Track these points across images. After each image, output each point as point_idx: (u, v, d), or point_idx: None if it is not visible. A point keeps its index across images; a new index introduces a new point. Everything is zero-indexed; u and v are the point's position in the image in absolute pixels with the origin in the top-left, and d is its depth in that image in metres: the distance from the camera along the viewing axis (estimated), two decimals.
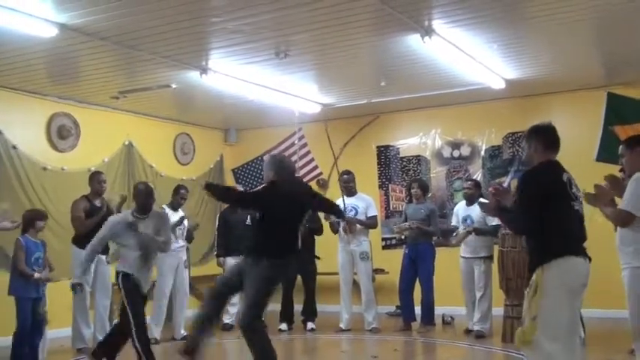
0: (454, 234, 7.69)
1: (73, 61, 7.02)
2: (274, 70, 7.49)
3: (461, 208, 7.76)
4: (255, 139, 11.13)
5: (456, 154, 9.82)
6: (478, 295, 7.40)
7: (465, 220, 7.55)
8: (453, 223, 7.82)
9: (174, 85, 7.92)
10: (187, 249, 8.16)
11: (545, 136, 3.90)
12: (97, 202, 7.37)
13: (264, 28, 6.08)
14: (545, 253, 3.65)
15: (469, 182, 7.89)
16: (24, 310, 5.94)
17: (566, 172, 3.83)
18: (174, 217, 7.83)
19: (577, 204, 3.77)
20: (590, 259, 3.73)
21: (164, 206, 7.96)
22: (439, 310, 8.20)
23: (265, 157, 6.29)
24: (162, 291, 7.71)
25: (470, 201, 7.57)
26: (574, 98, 8.96)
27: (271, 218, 5.14)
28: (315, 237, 8.42)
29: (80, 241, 7.19)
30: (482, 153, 9.61)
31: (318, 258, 8.46)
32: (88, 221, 7.15)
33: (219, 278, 5.69)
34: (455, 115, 9.75)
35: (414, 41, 6.47)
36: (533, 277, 3.68)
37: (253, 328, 5.02)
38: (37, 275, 5.99)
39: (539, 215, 3.64)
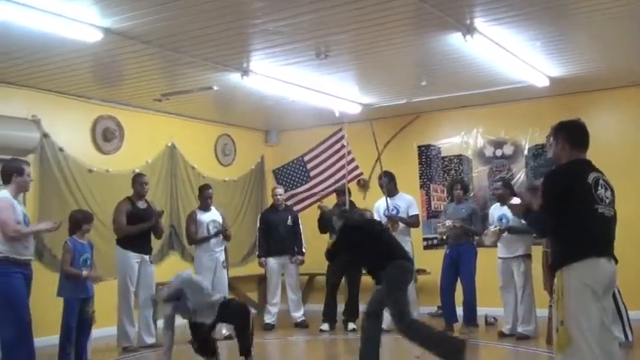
0: (484, 232, 7.57)
1: (117, 65, 7.14)
2: (314, 71, 7.50)
3: (496, 209, 7.68)
4: (295, 140, 11.13)
5: (498, 153, 9.69)
6: (519, 295, 7.29)
7: (500, 219, 7.46)
8: (490, 223, 7.71)
9: (215, 87, 7.98)
10: (225, 250, 8.21)
11: (573, 133, 3.77)
12: (140, 204, 7.48)
13: (303, 29, 6.09)
14: (566, 255, 3.56)
15: (498, 183, 7.86)
16: (71, 310, 6.05)
17: (597, 171, 3.69)
18: (205, 217, 7.90)
19: (602, 206, 3.59)
20: (616, 261, 3.62)
21: (194, 210, 8.09)
22: (481, 310, 8.10)
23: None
24: None
25: (502, 201, 7.51)
26: (620, 95, 8.76)
27: None
28: None
29: (124, 242, 7.33)
30: (526, 152, 9.47)
31: None
32: (127, 227, 7.31)
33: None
34: (497, 114, 9.63)
35: (455, 40, 6.40)
36: (555, 280, 3.60)
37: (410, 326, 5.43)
38: (85, 273, 6.10)
39: (561, 216, 3.54)
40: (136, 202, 7.45)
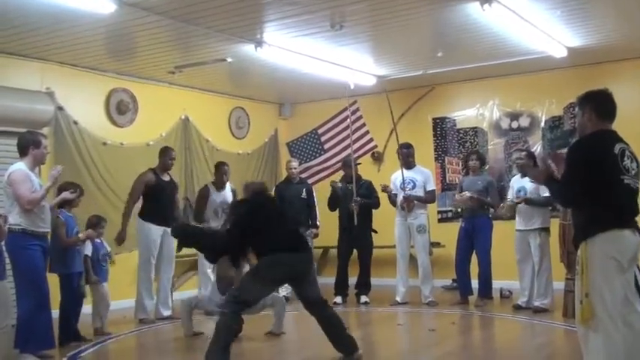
0: (501, 205, 7.55)
1: (131, 37, 7.10)
2: (329, 43, 7.42)
3: (516, 181, 7.62)
4: (309, 112, 11.10)
5: (514, 125, 9.58)
6: (536, 269, 7.26)
7: (518, 191, 7.41)
8: (509, 196, 7.65)
9: (229, 59, 7.93)
10: None
11: (600, 104, 3.70)
12: (164, 177, 7.49)
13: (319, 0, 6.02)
14: (590, 226, 3.52)
15: (522, 153, 7.74)
16: (69, 285, 6.06)
17: (623, 142, 3.64)
18: (217, 197, 7.85)
19: (628, 177, 3.55)
20: None
21: (208, 185, 8.06)
22: (497, 283, 8.08)
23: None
24: (205, 264, 7.79)
25: (524, 172, 7.45)
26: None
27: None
28: (373, 210, 8.35)
29: (146, 215, 7.34)
30: (542, 124, 9.36)
31: (375, 232, 8.40)
32: (134, 200, 7.37)
33: None
34: (514, 86, 9.51)
35: (472, 9, 6.30)
36: (579, 252, 3.56)
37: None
38: (81, 235, 6.12)
39: (586, 187, 3.49)
40: (160, 175, 7.45)
